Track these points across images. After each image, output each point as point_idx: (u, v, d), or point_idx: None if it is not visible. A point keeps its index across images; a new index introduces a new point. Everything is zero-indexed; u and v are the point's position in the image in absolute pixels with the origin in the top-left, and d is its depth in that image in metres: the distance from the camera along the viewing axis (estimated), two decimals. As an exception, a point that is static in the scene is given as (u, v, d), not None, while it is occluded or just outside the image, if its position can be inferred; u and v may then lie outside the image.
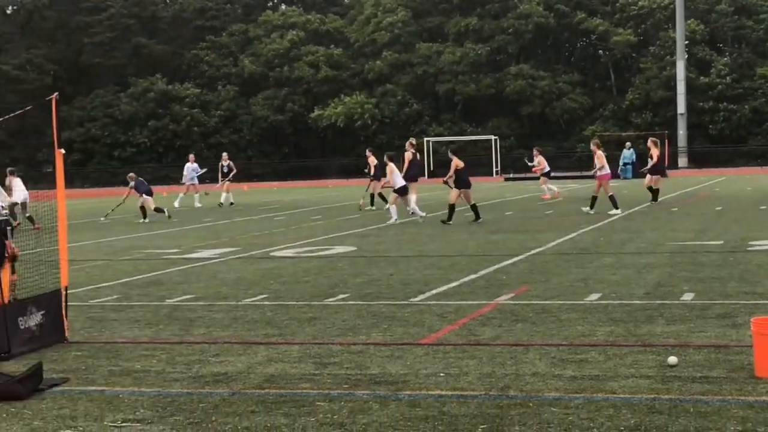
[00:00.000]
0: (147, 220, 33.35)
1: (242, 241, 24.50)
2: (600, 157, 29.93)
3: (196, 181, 43.35)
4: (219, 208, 40.68)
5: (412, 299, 13.76)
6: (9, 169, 37.44)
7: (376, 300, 13.78)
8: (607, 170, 30.00)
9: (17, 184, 31.12)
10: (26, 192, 31.17)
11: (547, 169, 39.77)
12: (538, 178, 39.66)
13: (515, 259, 18.35)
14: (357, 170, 42.61)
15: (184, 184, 43.79)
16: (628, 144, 63.82)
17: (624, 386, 8.44)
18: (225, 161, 43.78)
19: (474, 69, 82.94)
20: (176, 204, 41.94)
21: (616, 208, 29.21)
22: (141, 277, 17.63)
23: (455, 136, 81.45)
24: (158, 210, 34.17)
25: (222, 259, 20.19)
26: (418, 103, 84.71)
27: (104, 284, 16.72)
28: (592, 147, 30.93)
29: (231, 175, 43.17)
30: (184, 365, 9.89)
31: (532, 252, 19.46)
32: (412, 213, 28.99)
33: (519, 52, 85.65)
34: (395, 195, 28.82)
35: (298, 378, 9.16)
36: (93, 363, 10.19)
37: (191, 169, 43.23)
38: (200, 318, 12.79)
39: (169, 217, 33.94)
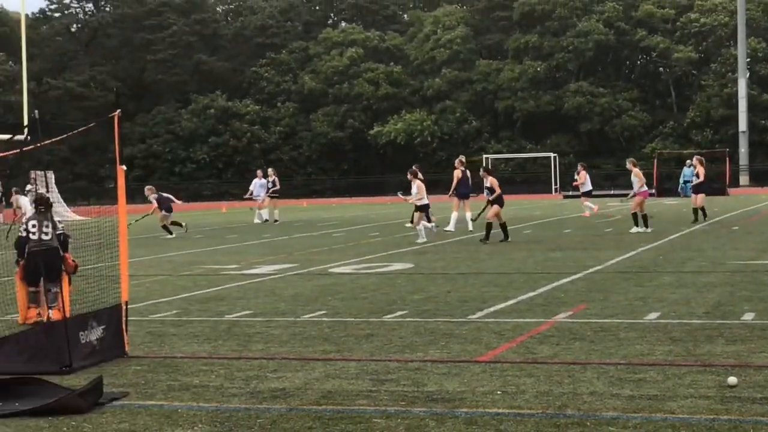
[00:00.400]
0: (174, 235, 33.50)
1: (301, 257, 24.60)
2: (638, 175, 29.84)
3: (261, 196, 43.46)
4: (275, 224, 40.85)
5: (469, 316, 13.74)
6: (14, 189, 37.86)
7: (434, 317, 13.78)
8: (645, 188, 29.94)
9: (25, 203, 31.43)
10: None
11: (589, 187, 39.27)
12: (588, 195, 39.27)
13: (573, 277, 18.26)
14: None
15: (254, 199, 43.83)
16: (688, 162, 63.13)
17: (683, 406, 8.37)
18: (271, 177, 43.81)
19: (533, 86, 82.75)
20: (261, 219, 42.11)
21: (637, 227, 29.17)
22: (200, 292, 17.76)
23: (514, 153, 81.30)
24: (166, 228, 34.08)
25: (280, 275, 20.28)
26: (477, 120, 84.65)
27: (164, 299, 16.85)
28: (629, 166, 30.77)
29: (271, 191, 43.19)
30: (243, 380, 9.95)
31: (591, 270, 19.36)
32: (421, 229, 28.68)
33: (578, 69, 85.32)
34: (420, 213, 28.65)
35: (355, 394, 9.18)
36: (152, 377, 10.28)
37: (259, 185, 43.38)
38: (258, 334, 12.85)
39: (171, 233, 33.84)
